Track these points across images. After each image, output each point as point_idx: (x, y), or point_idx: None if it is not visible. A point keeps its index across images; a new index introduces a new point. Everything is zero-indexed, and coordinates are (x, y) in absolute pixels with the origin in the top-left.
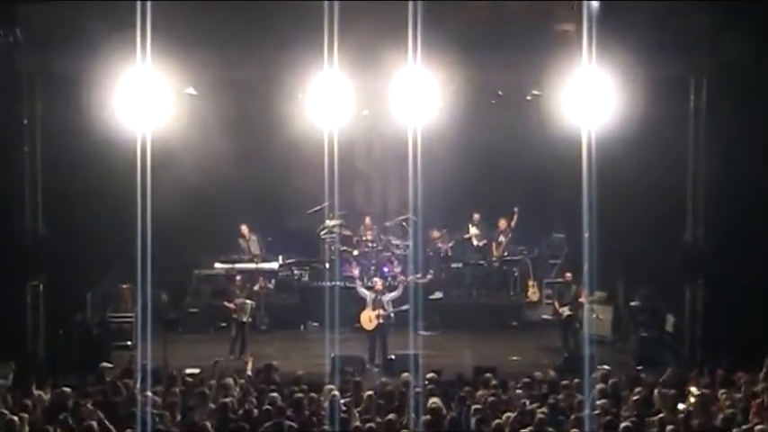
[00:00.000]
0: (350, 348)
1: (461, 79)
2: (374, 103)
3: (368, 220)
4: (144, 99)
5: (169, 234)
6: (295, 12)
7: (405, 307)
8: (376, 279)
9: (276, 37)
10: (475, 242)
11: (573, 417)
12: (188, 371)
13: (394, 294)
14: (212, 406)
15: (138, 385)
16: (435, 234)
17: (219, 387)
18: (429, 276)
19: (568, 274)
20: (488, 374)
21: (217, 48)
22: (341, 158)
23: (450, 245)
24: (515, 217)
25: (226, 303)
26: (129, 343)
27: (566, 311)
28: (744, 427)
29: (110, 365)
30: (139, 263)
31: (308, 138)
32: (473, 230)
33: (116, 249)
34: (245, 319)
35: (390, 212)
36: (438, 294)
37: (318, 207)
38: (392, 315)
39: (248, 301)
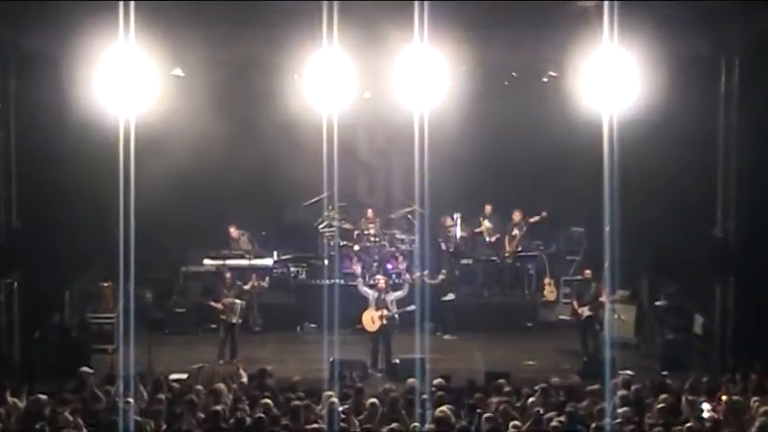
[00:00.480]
0: (351, 352)
1: (472, 59)
2: (377, 84)
3: (370, 212)
4: (127, 80)
5: (154, 227)
6: None
7: (411, 307)
8: (379, 276)
9: (270, 12)
10: (487, 237)
11: (593, 426)
12: (175, 376)
13: (399, 294)
14: (201, 415)
15: (121, 392)
16: (448, 222)
17: (209, 394)
18: (441, 277)
19: (588, 272)
20: (501, 380)
21: (205, 25)
22: (341, 146)
23: (463, 234)
24: (540, 217)
25: (212, 303)
26: (110, 346)
27: (585, 312)
28: None
29: (90, 370)
30: (122, 259)
31: (305, 123)
32: (485, 224)
33: (96, 244)
34: (234, 321)
35: (395, 204)
36: (450, 296)
37: (316, 198)
38: (396, 316)
39: (238, 301)
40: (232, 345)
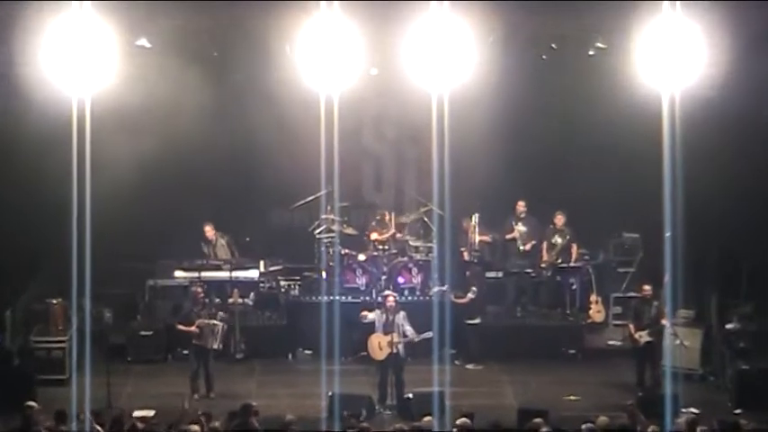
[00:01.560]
0: (354, 384)
1: (502, 28)
2: (386, 58)
3: (378, 214)
4: (82, 54)
5: (115, 231)
6: None
7: (428, 334)
8: (388, 293)
9: None
10: (521, 244)
11: None
12: (139, 413)
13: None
14: None
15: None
16: (470, 225)
17: None
18: (471, 295)
19: (646, 287)
20: (538, 420)
21: None
22: (342, 133)
23: (484, 239)
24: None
25: (182, 327)
26: (61, 376)
27: (643, 337)
28: None
29: (36, 406)
30: (75, 270)
31: (299, 106)
32: (519, 228)
33: (44, 253)
34: (211, 347)
35: (408, 204)
36: (478, 320)
37: (312, 197)
38: (411, 340)
39: (216, 322)
40: (206, 375)
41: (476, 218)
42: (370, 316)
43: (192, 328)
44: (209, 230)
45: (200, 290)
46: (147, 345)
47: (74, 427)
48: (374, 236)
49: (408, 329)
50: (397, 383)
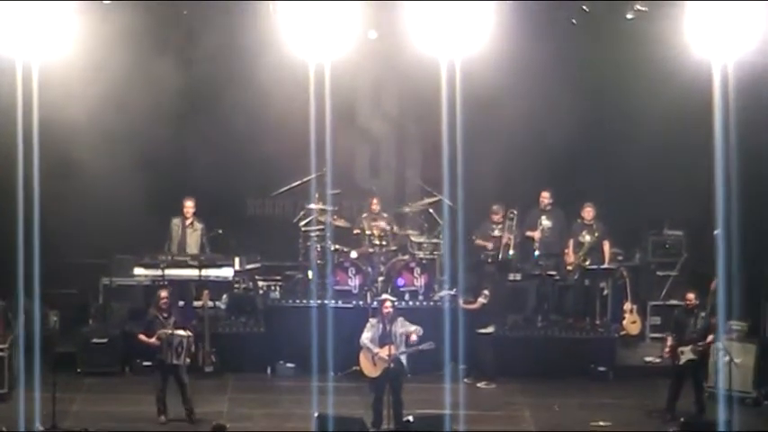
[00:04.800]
0: (344, 404)
1: None
2: (387, 20)
3: (375, 203)
4: (30, 13)
5: (64, 223)
6: None
7: (428, 345)
8: (385, 297)
9: None
10: (537, 240)
11: None
12: None
13: (414, 328)
14: None
15: None
16: (495, 216)
17: None
18: (482, 300)
19: (691, 295)
20: None
21: None
22: (335, 108)
23: (510, 237)
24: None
25: (142, 337)
26: None
27: (684, 353)
28: None
29: None
30: (20, 267)
31: (284, 76)
32: (544, 222)
33: None
34: (177, 362)
35: (410, 193)
36: (491, 328)
37: (298, 182)
38: (414, 346)
39: (182, 333)
40: (182, 395)
41: (514, 215)
42: (368, 335)
43: (152, 340)
44: (189, 206)
45: (164, 293)
46: (100, 354)
47: None
48: (356, 230)
49: (411, 329)
50: (394, 404)
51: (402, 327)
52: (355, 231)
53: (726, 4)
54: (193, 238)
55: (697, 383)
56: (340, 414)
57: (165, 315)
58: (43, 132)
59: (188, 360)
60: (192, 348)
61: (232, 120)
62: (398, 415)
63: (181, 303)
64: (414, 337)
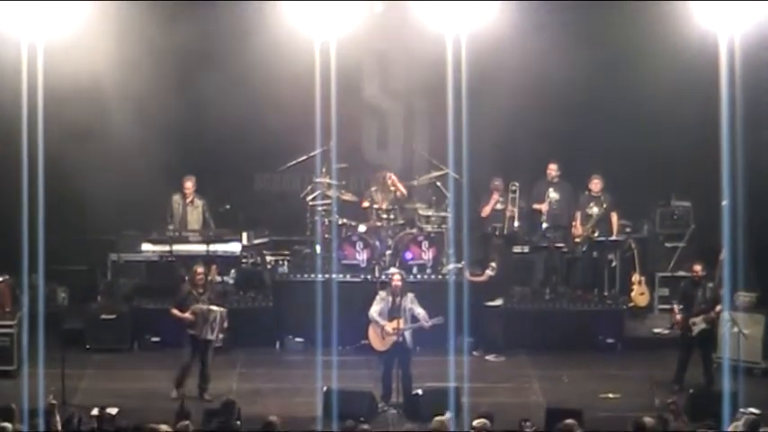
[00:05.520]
0: (353, 378)
1: None
2: None
3: (382, 177)
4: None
5: (71, 197)
6: None
7: (438, 319)
8: (393, 270)
9: None
10: (545, 212)
11: None
12: (98, 411)
13: (422, 313)
14: None
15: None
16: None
17: None
18: (489, 272)
19: (697, 267)
20: (570, 421)
21: None
22: (340, 82)
23: (514, 209)
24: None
25: (176, 313)
26: (7, 367)
27: (696, 324)
28: None
29: None
30: (25, 243)
31: (290, 52)
32: (552, 195)
33: None
34: (206, 337)
35: (417, 166)
36: (499, 301)
37: (304, 157)
38: (421, 326)
39: (215, 308)
40: (201, 372)
41: (516, 187)
42: (376, 307)
43: (187, 315)
44: (188, 187)
45: (200, 269)
46: (108, 330)
47: (25, 427)
48: (365, 204)
49: (419, 312)
50: (403, 377)
51: (411, 303)
52: (364, 204)
53: None
54: (194, 216)
55: (706, 355)
56: (348, 388)
57: (201, 291)
58: (48, 109)
59: (221, 336)
60: (225, 324)
61: (239, 95)
62: (407, 388)
63: (219, 279)
64: (422, 323)
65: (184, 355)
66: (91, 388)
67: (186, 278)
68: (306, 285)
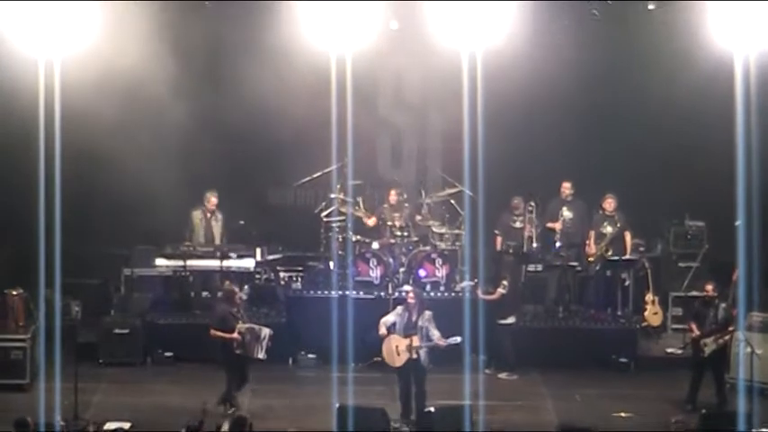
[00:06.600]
0: (366, 395)
1: None
2: (409, 11)
3: (395, 194)
4: (50, 11)
5: (85, 211)
6: None
7: (455, 339)
8: (407, 287)
9: None
10: (558, 230)
11: None
12: (111, 426)
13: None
14: None
15: None
16: (518, 207)
17: None
18: (501, 290)
19: (709, 286)
20: None
21: None
22: (356, 99)
23: (532, 229)
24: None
25: (219, 334)
26: (20, 381)
27: (707, 344)
28: None
29: None
30: (41, 256)
31: (306, 66)
32: (565, 213)
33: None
34: (260, 356)
35: (432, 183)
36: (511, 319)
37: (319, 173)
38: (437, 345)
39: (261, 327)
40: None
41: (533, 207)
42: (390, 318)
43: (234, 335)
44: (213, 201)
45: (236, 289)
46: (121, 345)
47: None
48: (372, 220)
49: (435, 333)
50: (417, 395)
51: (428, 322)
52: (372, 222)
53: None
54: (217, 230)
55: (718, 375)
56: (361, 405)
57: (236, 309)
58: (65, 125)
59: (266, 355)
60: (270, 344)
61: (254, 111)
62: (421, 406)
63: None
64: (438, 341)
65: (228, 376)
66: (104, 402)
67: (221, 297)
68: (319, 301)
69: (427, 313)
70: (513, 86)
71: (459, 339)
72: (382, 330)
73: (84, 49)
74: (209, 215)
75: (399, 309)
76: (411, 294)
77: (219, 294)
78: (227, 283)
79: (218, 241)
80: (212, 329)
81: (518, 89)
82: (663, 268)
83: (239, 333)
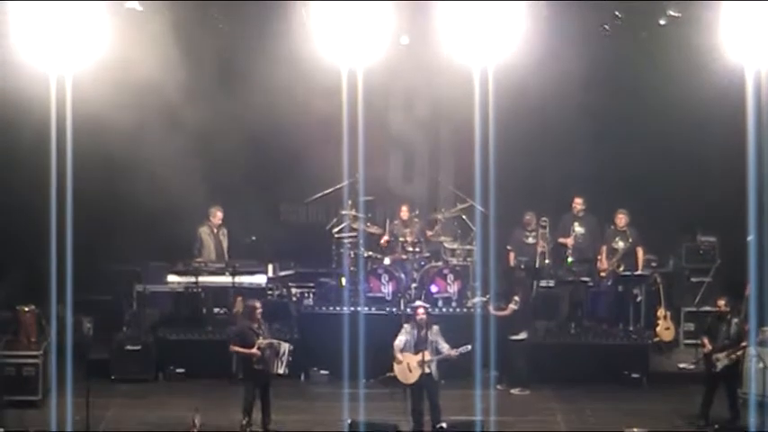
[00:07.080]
0: (378, 411)
1: None
2: (420, 26)
3: (406, 210)
4: (61, 21)
5: (97, 229)
6: None
7: (465, 348)
8: (418, 303)
9: None
10: (570, 246)
11: None
12: None
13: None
14: None
15: None
16: (530, 223)
17: None
18: (513, 306)
19: (721, 302)
20: None
21: None
22: (367, 114)
23: (545, 245)
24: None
25: (239, 349)
26: (32, 397)
27: (721, 359)
28: None
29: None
30: (53, 272)
31: (317, 82)
32: (577, 229)
33: (12, 250)
34: (278, 371)
35: (443, 199)
36: (523, 334)
37: (330, 189)
38: (448, 355)
39: (280, 342)
40: (264, 405)
41: (546, 223)
42: (401, 339)
43: (254, 351)
44: (219, 216)
45: (257, 304)
46: (133, 361)
47: None
48: (385, 238)
49: (444, 346)
50: (432, 409)
51: (436, 336)
52: (384, 240)
53: (759, 9)
54: (225, 244)
55: (731, 390)
56: (373, 420)
57: (256, 325)
58: (77, 140)
59: (287, 370)
60: (291, 359)
61: (265, 126)
62: (436, 420)
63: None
64: (449, 352)
65: (246, 391)
66: (116, 417)
67: (239, 313)
68: (331, 318)
69: (435, 327)
70: (524, 102)
71: (469, 347)
72: (399, 357)
73: (93, 63)
74: (215, 230)
75: (407, 326)
76: (421, 310)
77: (235, 310)
78: (241, 298)
79: (227, 256)
80: (232, 345)
81: (529, 104)
82: (675, 283)
83: (259, 348)
